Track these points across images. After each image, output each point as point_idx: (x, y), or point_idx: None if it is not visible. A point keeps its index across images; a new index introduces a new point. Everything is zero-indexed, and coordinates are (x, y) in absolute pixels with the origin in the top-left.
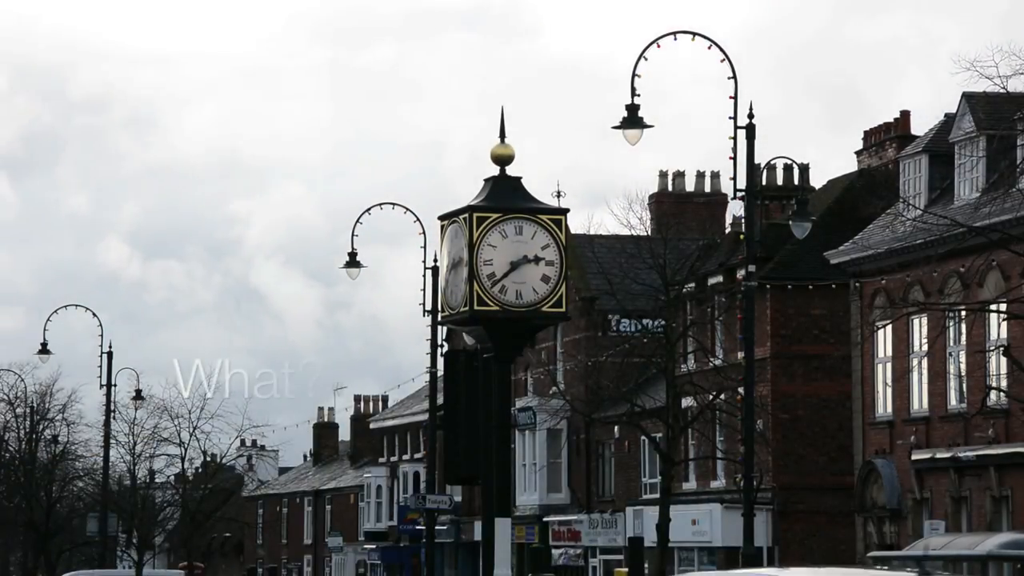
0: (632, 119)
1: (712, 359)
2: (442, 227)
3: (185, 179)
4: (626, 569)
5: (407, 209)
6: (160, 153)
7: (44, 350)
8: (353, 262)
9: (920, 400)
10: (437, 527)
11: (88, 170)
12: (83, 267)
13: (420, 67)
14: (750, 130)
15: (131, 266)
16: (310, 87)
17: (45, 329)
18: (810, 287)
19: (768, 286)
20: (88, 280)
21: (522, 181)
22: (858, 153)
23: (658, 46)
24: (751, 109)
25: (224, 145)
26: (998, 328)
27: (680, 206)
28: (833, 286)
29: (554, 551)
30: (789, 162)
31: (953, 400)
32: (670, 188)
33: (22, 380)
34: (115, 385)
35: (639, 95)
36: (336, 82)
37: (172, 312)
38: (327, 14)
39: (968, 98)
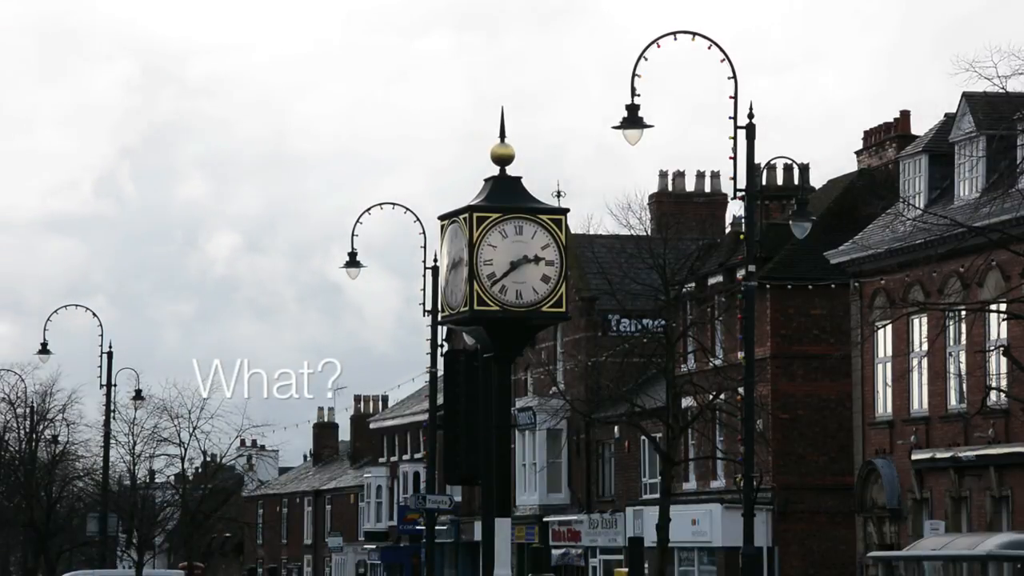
0: (632, 119)
1: (712, 359)
2: (442, 227)
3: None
4: (626, 569)
5: (407, 209)
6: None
7: (44, 350)
8: (353, 262)
9: (920, 400)
10: (437, 527)
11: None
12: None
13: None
14: (750, 130)
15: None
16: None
17: (45, 329)
18: (810, 287)
19: (768, 286)
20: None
21: (522, 181)
22: (858, 153)
23: (658, 46)
24: (751, 109)
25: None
26: (998, 328)
27: (680, 206)
28: (833, 286)
29: (554, 551)
30: (789, 162)
31: (953, 400)
32: (670, 188)
33: (22, 380)
34: (115, 385)
35: (639, 95)
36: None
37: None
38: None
39: (968, 98)
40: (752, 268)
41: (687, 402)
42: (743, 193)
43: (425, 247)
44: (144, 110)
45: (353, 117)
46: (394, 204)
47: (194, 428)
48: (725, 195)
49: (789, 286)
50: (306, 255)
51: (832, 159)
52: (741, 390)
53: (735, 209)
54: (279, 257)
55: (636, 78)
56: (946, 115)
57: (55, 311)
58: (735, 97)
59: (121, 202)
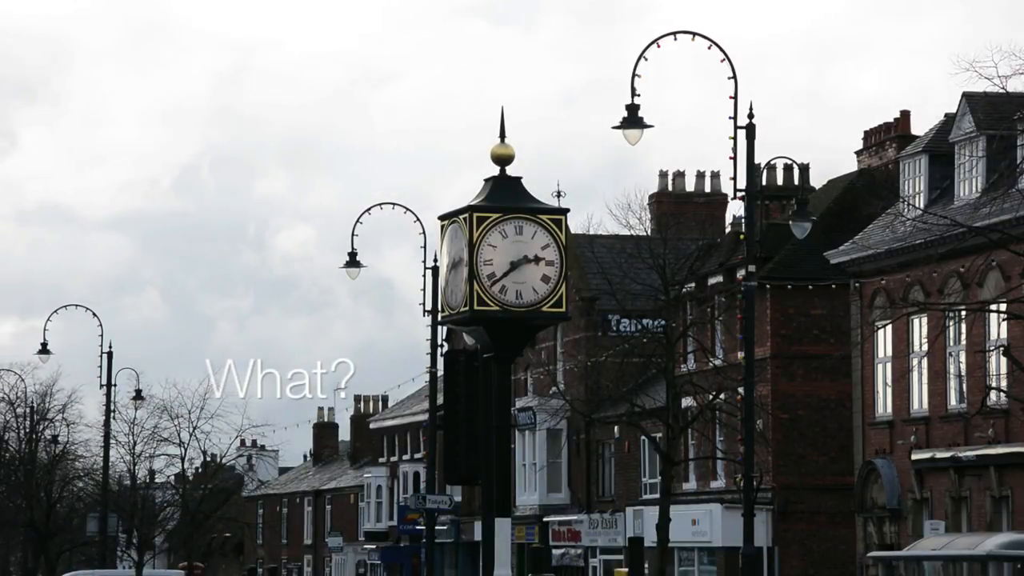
0: (632, 119)
1: (712, 359)
2: (442, 227)
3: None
4: (626, 569)
5: (407, 209)
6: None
7: (44, 350)
8: (353, 262)
9: (920, 400)
10: (437, 527)
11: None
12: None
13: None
14: (750, 130)
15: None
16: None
17: (45, 329)
18: (810, 287)
19: (768, 286)
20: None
21: (522, 181)
22: (858, 153)
23: (658, 46)
24: (751, 109)
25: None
26: (998, 328)
27: (680, 206)
28: (833, 286)
29: (554, 551)
30: (789, 162)
31: (953, 400)
32: (670, 188)
33: (22, 380)
34: (115, 385)
35: (639, 95)
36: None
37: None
38: None
39: (968, 98)
40: (752, 268)
41: (687, 402)
42: (743, 193)
43: (425, 247)
44: (225, 104)
45: (431, 110)
46: (394, 204)
47: (194, 428)
48: (725, 195)
49: (789, 286)
50: (365, 250)
51: (832, 159)
52: (741, 390)
53: (735, 209)
54: (337, 254)
55: (636, 78)
56: (946, 115)
57: (55, 311)
58: (735, 97)
59: (199, 196)
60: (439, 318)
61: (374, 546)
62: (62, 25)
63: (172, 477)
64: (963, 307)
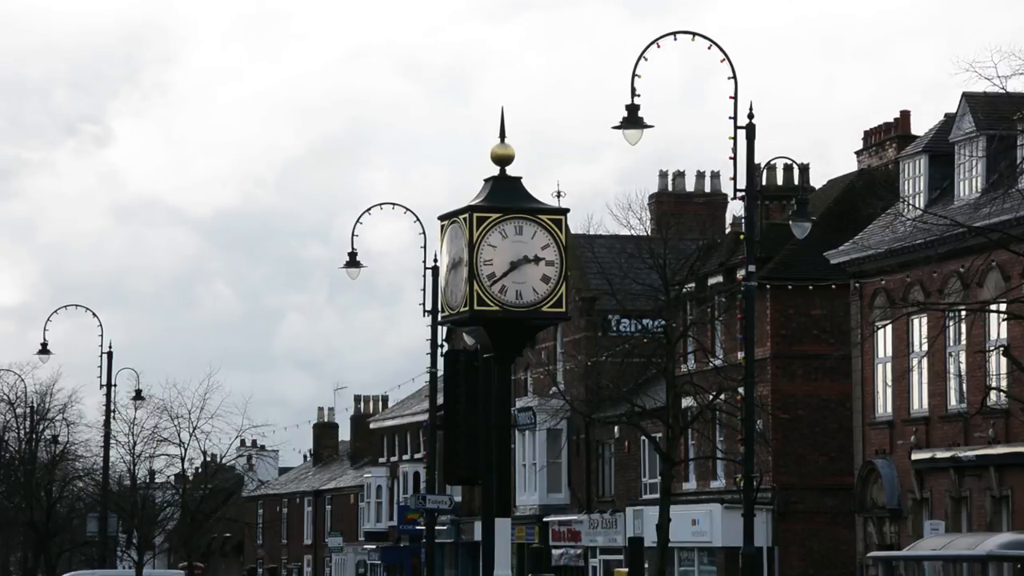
0: (632, 119)
1: (712, 359)
2: (442, 227)
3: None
4: (626, 569)
5: (407, 209)
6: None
7: (44, 350)
8: (353, 262)
9: (920, 400)
10: (437, 527)
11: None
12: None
13: None
14: (750, 130)
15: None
16: None
17: (45, 329)
18: (810, 287)
19: (768, 286)
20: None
21: (522, 181)
22: (858, 153)
23: (658, 46)
24: (751, 109)
25: None
26: (998, 328)
27: (680, 206)
28: (833, 286)
29: (554, 551)
30: (789, 162)
31: (953, 400)
32: (670, 188)
33: (22, 380)
34: (115, 385)
35: (639, 95)
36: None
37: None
38: None
39: (968, 98)
40: (752, 268)
41: (687, 402)
42: (743, 193)
43: (425, 247)
44: (336, 97)
45: (545, 103)
46: (394, 204)
47: (194, 428)
48: (725, 195)
49: (789, 286)
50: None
51: (832, 159)
52: (741, 390)
53: (735, 209)
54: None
55: (636, 78)
56: (946, 115)
57: (55, 311)
58: (735, 97)
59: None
60: (439, 318)
61: (374, 546)
62: (161, 14)
63: (172, 477)
64: (963, 307)
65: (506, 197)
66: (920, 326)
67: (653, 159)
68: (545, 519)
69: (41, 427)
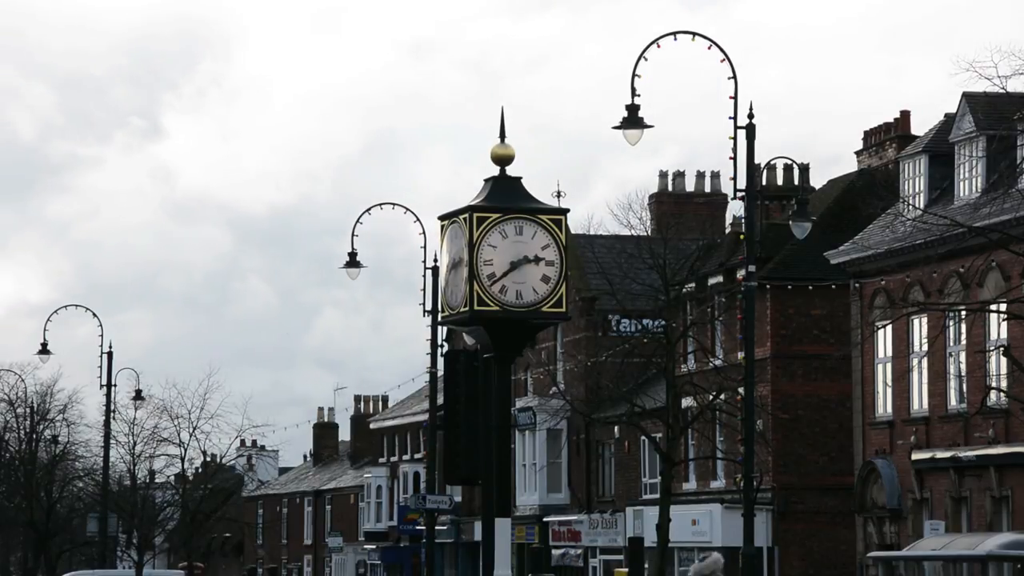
0: (632, 119)
1: (712, 359)
2: (442, 227)
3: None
4: (626, 569)
5: (407, 209)
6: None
7: (44, 350)
8: (353, 262)
9: (920, 400)
10: (437, 527)
11: None
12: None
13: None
14: (750, 130)
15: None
16: None
17: (45, 330)
18: (810, 287)
19: (768, 286)
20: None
21: (522, 181)
22: (858, 153)
23: (658, 46)
24: (751, 109)
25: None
26: (998, 328)
27: (680, 206)
28: (833, 286)
29: (554, 551)
30: (789, 162)
31: (953, 400)
32: (670, 188)
33: (22, 380)
34: (115, 385)
35: (639, 95)
36: None
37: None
38: None
39: (968, 98)
40: (752, 268)
41: (687, 402)
42: (743, 193)
43: (425, 247)
44: (387, 91)
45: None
46: (394, 204)
47: (194, 428)
48: (725, 195)
49: (789, 286)
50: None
51: (832, 159)
52: (741, 390)
53: (735, 209)
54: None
55: (636, 78)
56: (946, 115)
57: (55, 311)
58: (735, 97)
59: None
60: (439, 318)
61: (374, 546)
62: (217, 11)
63: (172, 477)
64: (963, 307)
65: (506, 197)
66: (920, 326)
67: (687, 159)
68: (545, 519)
69: (41, 427)
